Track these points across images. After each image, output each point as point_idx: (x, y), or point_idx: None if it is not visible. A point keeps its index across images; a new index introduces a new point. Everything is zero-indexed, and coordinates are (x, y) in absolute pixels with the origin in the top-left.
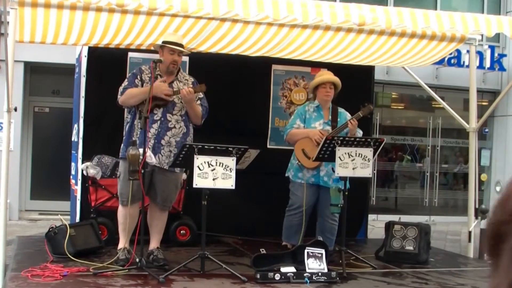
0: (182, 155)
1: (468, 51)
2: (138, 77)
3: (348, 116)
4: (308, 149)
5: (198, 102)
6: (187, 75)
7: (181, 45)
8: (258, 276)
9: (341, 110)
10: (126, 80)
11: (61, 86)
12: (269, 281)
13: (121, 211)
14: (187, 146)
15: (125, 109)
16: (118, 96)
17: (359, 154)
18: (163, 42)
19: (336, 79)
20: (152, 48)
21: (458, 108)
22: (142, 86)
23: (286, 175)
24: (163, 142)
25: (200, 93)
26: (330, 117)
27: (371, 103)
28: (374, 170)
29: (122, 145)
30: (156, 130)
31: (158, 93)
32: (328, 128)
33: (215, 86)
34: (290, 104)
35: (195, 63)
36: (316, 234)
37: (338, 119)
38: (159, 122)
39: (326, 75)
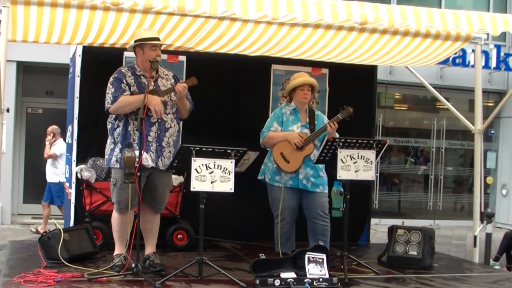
0: (179, 158)
1: (473, 51)
2: (124, 81)
3: (325, 119)
4: (287, 153)
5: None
6: (166, 70)
7: (159, 39)
8: (258, 282)
9: (318, 112)
10: (110, 86)
11: (54, 86)
12: (269, 287)
13: (117, 219)
14: (184, 148)
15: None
16: (108, 105)
17: (361, 156)
18: (140, 39)
19: (313, 81)
20: (127, 48)
21: (463, 109)
22: (129, 90)
23: (259, 178)
24: (163, 144)
25: None
26: (307, 119)
27: (350, 106)
28: (377, 173)
29: (116, 152)
30: (155, 132)
31: (150, 106)
32: (306, 131)
33: (213, 86)
34: None
35: (192, 63)
36: (308, 237)
37: (316, 122)
38: (157, 124)
39: (303, 77)
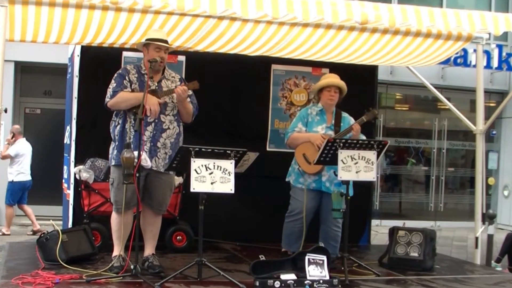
0: (178, 158)
1: (475, 50)
2: (127, 77)
3: (352, 121)
4: (309, 154)
5: (188, 99)
6: (173, 73)
7: (166, 42)
8: (257, 283)
9: (344, 114)
10: (113, 81)
11: (53, 86)
12: None
13: (115, 219)
14: (183, 148)
15: (114, 111)
16: (107, 99)
17: (362, 157)
18: (147, 39)
19: (342, 83)
20: (135, 47)
21: (465, 109)
22: (131, 87)
23: (287, 180)
24: (158, 144)
25: (189, 91)
26: (333, 121)
27: (375, 108)
28: (378, 173)
29: (114, 150)
30: (151, 132)
31: (146, 104)
32: (331, 132)
33: (212, 86)
34: (290, 105)
35: (192, 63)
36: (319, 241)
37: (342, 124)
38: (153, 124)
39: (331, 78)
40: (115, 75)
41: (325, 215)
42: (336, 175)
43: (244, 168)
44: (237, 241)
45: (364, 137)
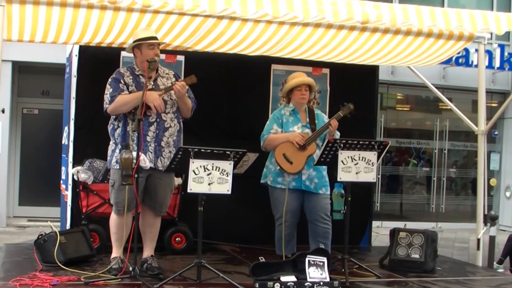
0: (178, 159)
1: (476, 50)
2: (122, 81)
3: (326, 118)
4: (290, 153)
5: (186, 94)
6: (167, 69)
7: (157, 38)
8: (257, 285)
9: (317, 111)
10: (108, 87)
11: (50, 86)
12: None
13: (115, 220)
14: (182, 149)
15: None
16: (106, 105)
17: (362, 157)
18: (138, 40)
19: (311, 81)
20: (125, 49)
21: (466, 109)
22: (128, 89)
23: (262, 181)
24: (162, 143)
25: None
26: (308, 119)
27: (351, 102)
28: (378, 174)
29: (115, 153)
30: (154, 132)
31: (149, 102)
32: (308, 130)
33: (212, 87)
34: None
35: (191, 63)
36: (309, 240)
37: (316, 121)
38: (155, 123)
39: (301, 77)
40: (110, 80)
41: (311, 214)
42: (317, 175)
43: (244, 169)
44: (237, 243)
45: (338, 133)
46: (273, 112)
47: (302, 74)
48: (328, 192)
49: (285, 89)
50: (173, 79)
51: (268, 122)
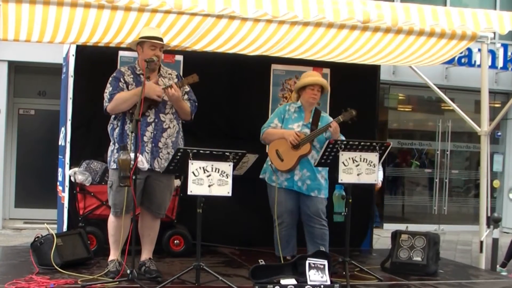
0: (176, 160)
1: (479, 50)
2: (122, 79)
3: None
4: (282, 150)
5: (186, 97)
6: (170, 70)
7: (161, 39)
8: None
9: (324, 114)
10: (108, 85)
11: (47, 86)
12: None
13: (113, 222)
14: (181, 150)
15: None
16: (106, 104)
17: (363, 159)
18: (142, 37)
19: (325, 83)
20: (129, 46)
21: (469, 110)
22: (127, 88)
23: (261, 177)
24: (160, 144)
25: (187, 87)
26: (311, 120)
27: (354, 109)
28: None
29: (114, 153)
30: (151, 133)
31: (151, 94)
32: (307, 130)
33: (211, 87)
34: None
35: (189, 63)
36: (306, 242)
37: (320, 124)
38: (153, 124)
39: (316, 77)
40: (110, 79)
41: (304, 216)
42: (310, 176)
43: (243, 170)
44: (236, 245)
45: (343, 137)
46: (273, 111)
47: (317, 73)
48: (323, 195)
49: (298, 85)
50: (176, 80)
51: (271, 115)
